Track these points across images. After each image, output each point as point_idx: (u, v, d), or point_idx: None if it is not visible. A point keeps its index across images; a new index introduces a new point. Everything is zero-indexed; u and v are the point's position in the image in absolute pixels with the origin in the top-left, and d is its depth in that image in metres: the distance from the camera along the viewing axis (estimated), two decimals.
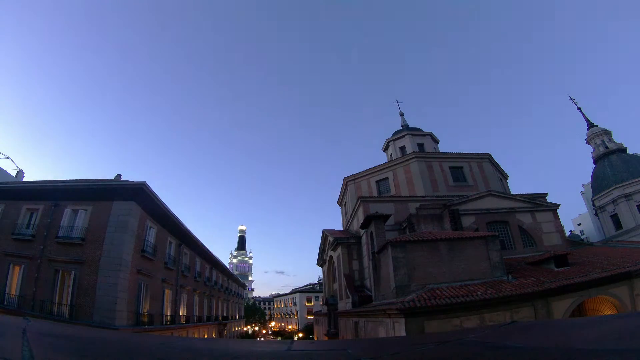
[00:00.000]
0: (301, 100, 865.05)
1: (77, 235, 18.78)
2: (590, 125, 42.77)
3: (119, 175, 23.43)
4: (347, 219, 31.20)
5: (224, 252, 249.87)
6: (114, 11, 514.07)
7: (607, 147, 40.13)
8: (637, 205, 34.84)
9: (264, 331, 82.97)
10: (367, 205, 24.43)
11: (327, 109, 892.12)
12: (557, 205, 22.33)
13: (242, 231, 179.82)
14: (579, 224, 65.17)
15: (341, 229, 33.71)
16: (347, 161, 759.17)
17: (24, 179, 29.17)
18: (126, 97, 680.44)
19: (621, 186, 35.91)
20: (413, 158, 27.95)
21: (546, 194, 24.53)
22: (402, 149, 33.27)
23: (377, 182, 29.55)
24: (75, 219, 19.46)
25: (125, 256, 18.51)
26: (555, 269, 16.15)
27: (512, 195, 23.79)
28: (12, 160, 30.58)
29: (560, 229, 21.87)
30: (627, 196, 35.38)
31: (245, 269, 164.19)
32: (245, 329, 68.38)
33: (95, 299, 17.11)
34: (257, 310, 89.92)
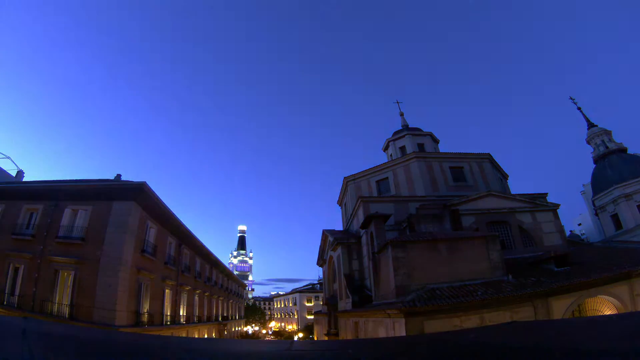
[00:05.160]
0: (301, 100, 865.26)
1: (77, 235, 18.77)
2: (590, 125, 42.70)
3: (119, 175, 23.44)
4: (347, 219, 31.19)
5: (224, 252, 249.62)
6: (109, 9, 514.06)
7: (607, 147, 40.05)
8: (637, 205, 34.76)
9: (264, 331, 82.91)
10: (367, 205, 24.41)
11: (327, 109, 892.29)
12: (557, 205, 22.30)
13: (242, 231, 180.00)
14: (579, 224, 65.14)
15: (341, 229, 33.69)
16: (347, 161, 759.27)
17: (24, 179, 29.15)
18: (126, 97, 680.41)
19: (621, 186, 35.85)
20: (413, 158, 27.92)
21: (546, 194, 24.50)
22: (402, 149, 33.22)
23: (377, 182, 29.51)
24: (75, 219, 19.46)
25: (125, 256, 18.50)
26: (556, 269, 16.13)
27: (512, 195, 23.75)
28: (12, 160, 30.59)
29: (560, 229, 21.83)
30: (627, 196, 35.32)
31: (245, 269, 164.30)
32: (245, 329, 68.36)
33: (95, 299, 17.11)
34: (257, 310, 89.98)
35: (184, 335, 26.65)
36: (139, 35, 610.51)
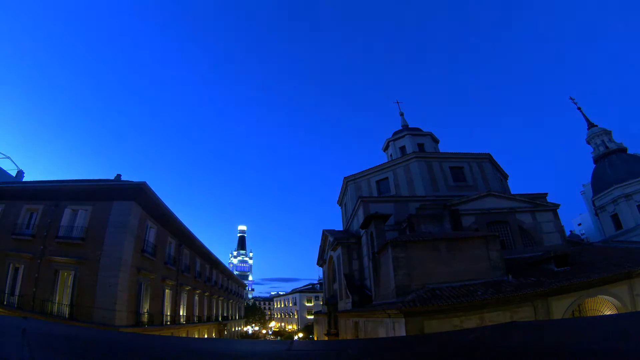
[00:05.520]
0: (301, 100, 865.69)
1: (77, 235, 18.79)
2: (590, 125, 42.72)
3: (119, 175, 23.45)
4: (347, 219, 31.20)
5: (224, 252, 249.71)
6: (110, 10, 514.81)
7: (607, 147, 40.07)
8: (637, 205, 34.78)
9: (264, 331, 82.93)
10: (367, 205, 24.42)
11: (327, 109, 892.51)
12: (557, 205, 22.30)
13: (242, 231, 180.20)
14: (579, 224, 65.19)
15: (341, 229, 33.70)
16: (347, 161, 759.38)
17: (24, 179, 29.18)
18: (125, 97, 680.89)
19: (621, 186, 35.87)
20: (413, 158, 27.93)
21: (546, 194, 24.50)
22: (402, 149, 33.23)
23: (377, 182, 29.52)
24: (75, 219, 19.47)
25: (125, 256, 18.51)
26: (556, 269, 16.12)
27: (512, 195, 23.75)
28: (12, 160, 30.59)
29: (560, 228, 21.83)
30: (627, 196, 35.35)
31: (245, 269, 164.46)
32: (245, 329, 68.36)
33: (95, 299, 17.12)
34: (257, 310, 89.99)
35: (184, 335, 26.66)
36: (137, 34, 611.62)
